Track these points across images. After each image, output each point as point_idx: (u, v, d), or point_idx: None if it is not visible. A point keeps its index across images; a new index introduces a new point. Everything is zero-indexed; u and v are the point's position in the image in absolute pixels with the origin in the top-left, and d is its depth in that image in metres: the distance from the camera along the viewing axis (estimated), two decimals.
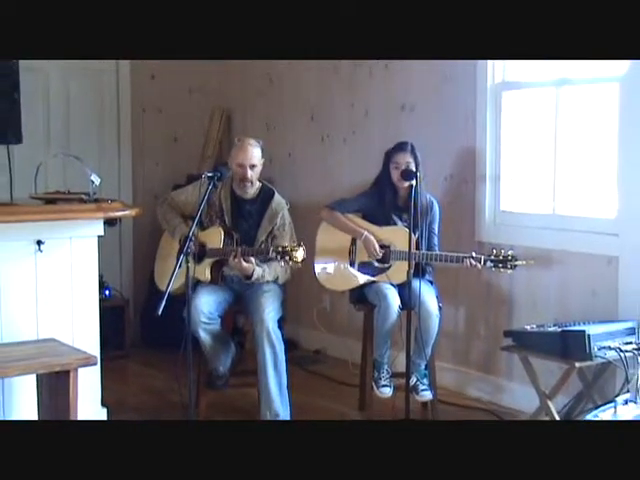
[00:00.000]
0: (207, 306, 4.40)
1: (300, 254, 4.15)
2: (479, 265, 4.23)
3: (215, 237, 4.53)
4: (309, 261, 4.64)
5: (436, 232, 4.58)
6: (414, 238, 4.24)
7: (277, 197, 4.64)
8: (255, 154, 4.51)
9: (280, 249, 4.19)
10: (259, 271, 4.42)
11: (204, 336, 4.41)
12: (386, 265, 4.48)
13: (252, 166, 4.50)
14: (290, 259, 4.15)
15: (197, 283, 4.46)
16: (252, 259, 4.37)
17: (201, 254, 4.50)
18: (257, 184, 4.62)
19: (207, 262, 4.51)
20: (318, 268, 4.67)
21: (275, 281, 4.53)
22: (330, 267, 4.64)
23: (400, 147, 4.49)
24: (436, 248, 4.55)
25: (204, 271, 4.49)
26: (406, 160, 4.41)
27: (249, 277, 4.43)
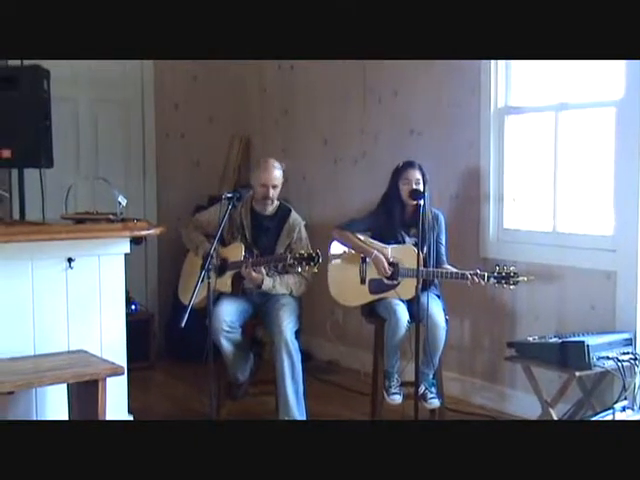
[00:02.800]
0: (229, 315, 4.39)
1: (317, 259, 4.15)
2: (482, 282, 4.19)
3: (236, 252, 4.51)
4: (323, 278, 4.62)
5: (443, 242, 4.52)
6: (422, 254, 4.18)
7: (294, 214, 4.64)
8: (277, 175, 4.52)
9: (297, 255, 4.19)
10: (268, 281, 4.43)
11: (225, 344, 4.37)
12: (395, 282, 4.41)
13: (274, 186, 4.51)
14: (308, 264, 4.14)
15: (219, 295, 4.45)
16: (262, 270, 4.39)
17: (223, 267, 4.50)
18: (276, 202, 4.62)
19: (228, 274, 4.50)
20: (331, 286, 4.59)
21: (290, 294, 4.51)
22: (342, 284, 4.57)
23: (409, 164, 4.43)
24: (444, 257, 4.49)
25: (226, 283, 4.48)
26: (416, 177, 4.36)
27: (259, 287, 4.43)
